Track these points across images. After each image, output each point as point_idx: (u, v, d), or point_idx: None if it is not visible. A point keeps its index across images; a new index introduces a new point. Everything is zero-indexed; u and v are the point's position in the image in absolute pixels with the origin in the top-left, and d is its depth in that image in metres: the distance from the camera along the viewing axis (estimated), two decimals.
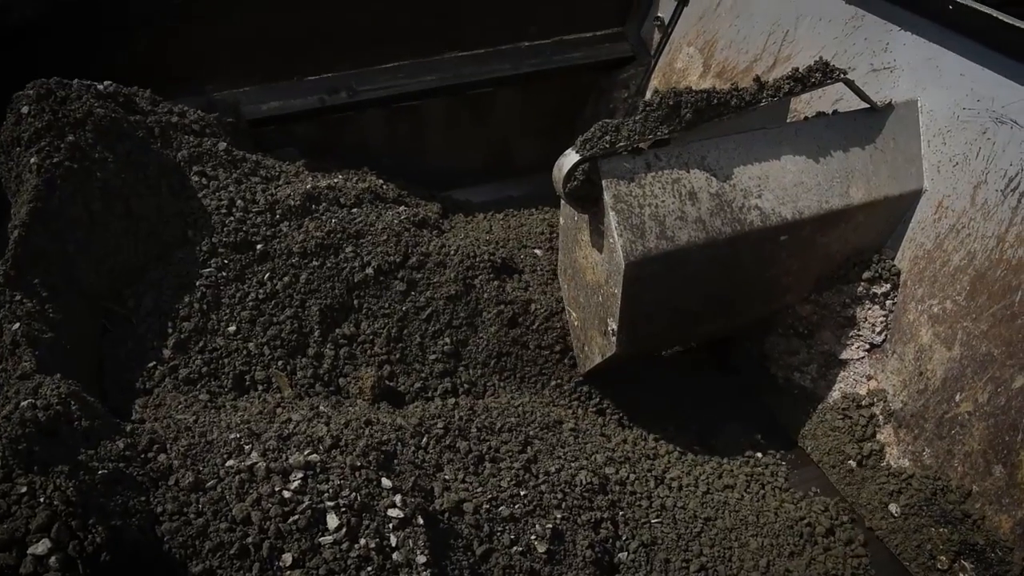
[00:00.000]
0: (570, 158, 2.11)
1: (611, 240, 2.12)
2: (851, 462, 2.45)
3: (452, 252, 2.65)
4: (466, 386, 2.52)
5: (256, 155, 2.77)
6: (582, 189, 2.14)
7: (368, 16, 3.02)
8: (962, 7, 2.25)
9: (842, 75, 2.29)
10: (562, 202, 2.28)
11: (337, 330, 2.47)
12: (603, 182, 2.08)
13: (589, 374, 2.58)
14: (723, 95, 2.15)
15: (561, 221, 2.47)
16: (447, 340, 2.53)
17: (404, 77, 3.19)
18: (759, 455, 2.59)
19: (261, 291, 2.42)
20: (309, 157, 2.99)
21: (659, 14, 3.31)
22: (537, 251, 2.89)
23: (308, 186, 2.66)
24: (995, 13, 2.20)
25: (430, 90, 3.24)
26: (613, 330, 2.30)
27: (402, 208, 2.81)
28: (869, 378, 2.49)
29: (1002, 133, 2.21)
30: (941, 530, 2.21)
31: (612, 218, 2.08)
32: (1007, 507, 2.12)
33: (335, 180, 2.80)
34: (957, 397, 2.25)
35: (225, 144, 2.65)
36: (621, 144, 2.09)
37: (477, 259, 2.66)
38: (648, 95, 3.33)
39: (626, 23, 3.42)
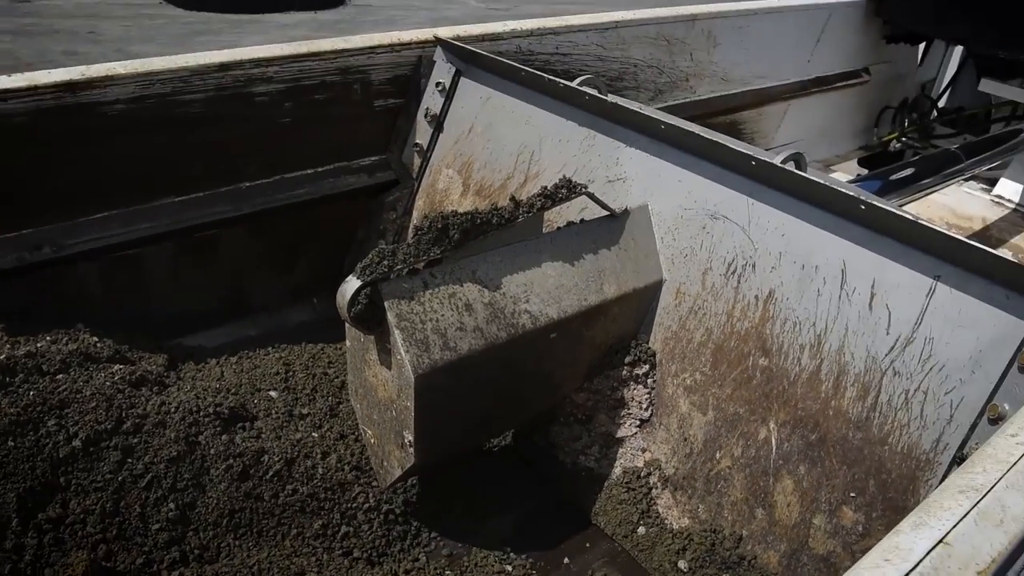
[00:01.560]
0: (352, 284, 2.24)
1: (399, 356, 2.25)
2: (640, 529, 2.69)
3: (173, 409, 2.49)
4: (197, 552, 2.33)
5: None
6: (366, 312, 2.27)
7: (73, 166, 2.77)
8: (672, 126, 2.68)
9: (584, 189, 2.62)
10: (347, 326, 2.39)
11: (40, 515, 2.20)
12: (385, 303, 2.23)
13: (390, 488, 2.65)
14: (485, 215, 2.40)
15: (348, 344, 2.57)
16: (171, 506, 2.33)
17: (119, 227, 2.92)
18: (509, 568, 2.62)
19: None
20: (9, 321, 2.63)
21: (418, 140, 3.57)
22: (272, 393, 2.80)
23: (2, 356, 2.41)
24: (697, 129, 2.64)
25: (150, 237, 3.00)
26: (410, 441, 2.41)
27: (118, 367, 2.58)
28: (644, 451, 2.77)
29: (717, 227, 2.62)
30: None
31: (397, 336, 2.22)
32: (772, 543, 2.43)
33: (38, 345, 2.52)
34: (717, 455, 2.57)
35: None
36: (398, 267, 2.26)
37: (202, 413, 2.52)
38: (415, 216, 3.56)
39: (388, 151, 3.65)
